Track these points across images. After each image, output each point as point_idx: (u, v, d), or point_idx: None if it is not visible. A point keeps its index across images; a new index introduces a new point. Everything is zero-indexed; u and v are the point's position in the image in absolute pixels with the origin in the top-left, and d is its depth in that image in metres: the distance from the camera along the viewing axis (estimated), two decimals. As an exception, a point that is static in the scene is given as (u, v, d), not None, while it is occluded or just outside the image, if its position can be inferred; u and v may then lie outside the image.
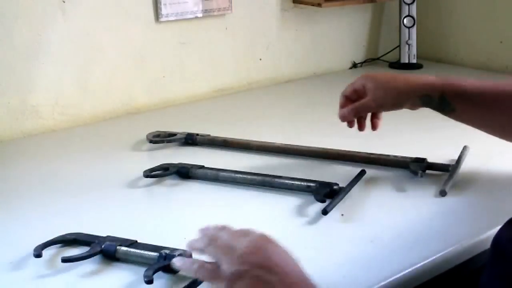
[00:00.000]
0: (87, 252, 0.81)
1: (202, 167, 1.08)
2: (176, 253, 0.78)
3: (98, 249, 0.81)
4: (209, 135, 1.25)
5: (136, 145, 1.25)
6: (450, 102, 0.97)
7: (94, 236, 0.85)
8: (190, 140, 1.24)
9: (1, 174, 1.14)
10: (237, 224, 0.90)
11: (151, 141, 1.24)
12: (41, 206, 0.99)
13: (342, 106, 1.06)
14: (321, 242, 0.86)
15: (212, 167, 1.08)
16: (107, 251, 0.81)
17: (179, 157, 1.14)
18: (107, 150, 1.24)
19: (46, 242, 0.84)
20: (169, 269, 0.77)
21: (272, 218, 0.93)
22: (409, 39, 1.84)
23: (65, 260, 0.79)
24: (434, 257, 0.82)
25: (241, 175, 1.04)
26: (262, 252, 0.65)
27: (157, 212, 0.98)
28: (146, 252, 0.80)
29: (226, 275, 0.63)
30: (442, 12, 1.92)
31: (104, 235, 0.85)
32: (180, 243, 0.82)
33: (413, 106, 1.01)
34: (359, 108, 1.04)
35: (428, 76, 1.00)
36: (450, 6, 1.89)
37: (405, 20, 1.84)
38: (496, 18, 1.79)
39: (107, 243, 0.82)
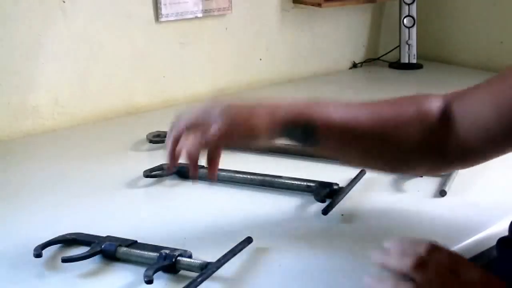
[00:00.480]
0: (87, 252, 0.81)
1: (202, 167, 1.08)
2: (176, 253, 0.78)
3: (98, 249, 0.81)
4: (209, 135, 1.25)
5: (136, 145, 1.25)
6: (314, 134, 0.80)
7: (94, 236, 0.85)
8: (190, 140, 1.24)
9: (1, 174, 1.14)
10: (237, 223, 0.90)
11: (151, 141, 1.24)
12: (41, 206, 0.99)
13: (175, 141, 0.82)
14: (321, 242, 0.86)
15: (212, 167, 1.08)
16: (107, 251, 0.81)
17: (179, 157, 1.14)
18: (107, 150, 1.24)
19: (46, 242, 0.84)
20: (169, 269, 0.77)
21: (272, 218, 0.93)
22: (409, 39, 1.84)
23: (65, 260, 0.79)
24: (434, 257, 0.82)
25: (241, 175, 1.04)
26: None
27: (157, 212, 0.98)
28: (146, 252, 0.80)
29: None
30: (442, 12, 1.92)
31: (104, 235, 0.85)
32: (180, 243, 0.82)
33: (270, 138, 0.82)
34: (207, 139, 0.79)
35: (292, 102, 0.83)
36: (450, 6, 1.89)
37: (405, 20, 1.84)
38: (496, 18, 1.79)
39: (107, 243, 0.82)
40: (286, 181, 1.02)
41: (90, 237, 0.85)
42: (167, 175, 1.07)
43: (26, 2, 1.30)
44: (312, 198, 0.96)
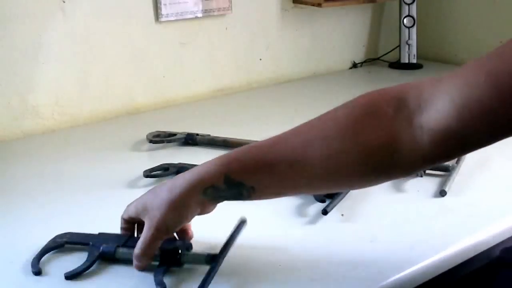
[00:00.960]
0: (87, 260, 0.79)
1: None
2: (178, 244, 0.78)
3: (97, 253, 0.80)
4: (209, 135, 1.25)
5: (136, 145, 1.25)
6: (242, 182, 0.74)
7: (86, 235, 0.83)
8: (190, 140, 1.24)
9: (1, 174, 1.14)
10: (236, 223, 0.90)
11: (151, 141, 1.24)
12: (41, 206, 0.99)
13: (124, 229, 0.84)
14: (321, 242, 0.86)
15: (212, 167, 1.07)
16: (107, 253, 0.80)
17: (179, 157, 1.14)
18: (107, 150, 1.24)
19: (39, 253, 0.81)
20: (173, 263, 0.77)
21: (272, 218, 0.93)
22: (409, 39, 1.84)
23: (69, 277, 0.77)
24: (434, 257, 0.82)
25: (241, 175, 1.04)
26: None
27: (157, 212, 0.98)
28: None
29: None
30: (442, 12, 1.92)
31: (105, 236, 0.84)
32: (179, 243, 0.82)
33: (204, 208, 0.78)
34: (146, 248, 0.77)
35: (204, 164, 0.77)
36: (450, 6, 1.89)
37: (405, 20, 1.84)
38: (496, 18, 1.79)
39: (104, 245, 0.80)
40: (286, 181, 1.02)
41: (81, 237, 0.83)
42: (167, 175, 1.07)
43: (26, 2, 1.30)
44: (312, 198, 0.96)
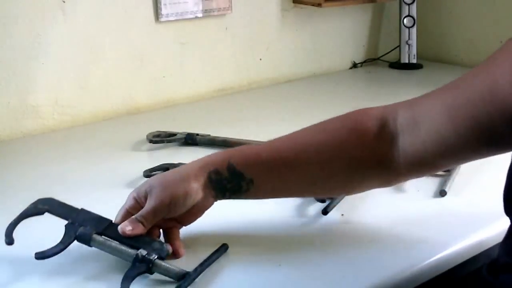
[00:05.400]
0: (61, 243, 0.78)
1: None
2: (153, 255, 0.75)
3: (72, 236, 0.79)
4: (209, 135, 1.25)
5: (136, 145, 1.25)
6: (242, 173, 0.80)
7: (67, 210, 0.83)
8: (190, 140, 1.24)
9: (1, 174, 1.14)
10: (236, 223, 0.90)
11: (151, 141, 1.24)
12: (41, 206, 0.99)
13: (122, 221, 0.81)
14: (321, 242, 0.86)
15: (212, 167, 1.07)
16: (81, 238, 0.79)
17: (179, 157, 1.14)
18: (107, 150, 1.24)
19: (17, 218, 0.82)
20: (145, 270, 0.75)
21: (272, 218, 0.93)
22: (409, 39, 1.84)
23: (39, 258, 0.77)
24: (434, 257, 0.82)
25: (241, 175, 1.04)
26: None
27: (157, 212, 0.98)
28: (123, 248, 0.77)
29: None
30: (442, 12, 1.92)
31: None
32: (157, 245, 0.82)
33: (205, 198, 0.81)
34: (145, 216, 0.79)
35: (211, 154, 0.84)
36: (450, 6, 1.89)
37: (405, 20, 1.84)
38: (496, 18, 1.79)
39: (81, 229, 0.79)
40: (286, 181, 1.02)
41: (62, 210, 0.83)
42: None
43: (26, 2, 1.30)
44: (312, 198, 0.96)
